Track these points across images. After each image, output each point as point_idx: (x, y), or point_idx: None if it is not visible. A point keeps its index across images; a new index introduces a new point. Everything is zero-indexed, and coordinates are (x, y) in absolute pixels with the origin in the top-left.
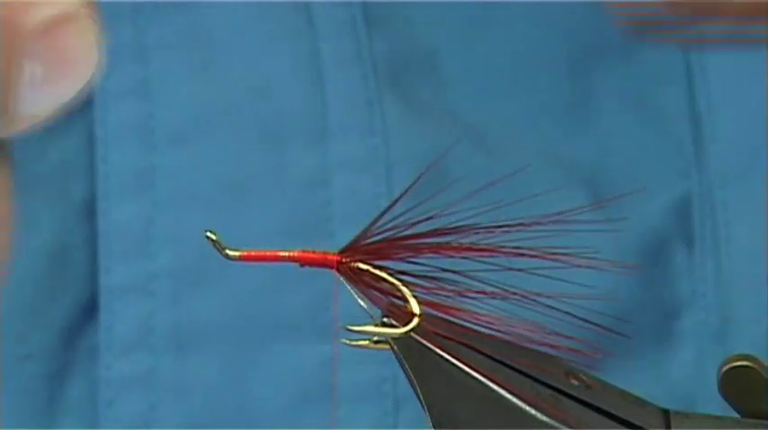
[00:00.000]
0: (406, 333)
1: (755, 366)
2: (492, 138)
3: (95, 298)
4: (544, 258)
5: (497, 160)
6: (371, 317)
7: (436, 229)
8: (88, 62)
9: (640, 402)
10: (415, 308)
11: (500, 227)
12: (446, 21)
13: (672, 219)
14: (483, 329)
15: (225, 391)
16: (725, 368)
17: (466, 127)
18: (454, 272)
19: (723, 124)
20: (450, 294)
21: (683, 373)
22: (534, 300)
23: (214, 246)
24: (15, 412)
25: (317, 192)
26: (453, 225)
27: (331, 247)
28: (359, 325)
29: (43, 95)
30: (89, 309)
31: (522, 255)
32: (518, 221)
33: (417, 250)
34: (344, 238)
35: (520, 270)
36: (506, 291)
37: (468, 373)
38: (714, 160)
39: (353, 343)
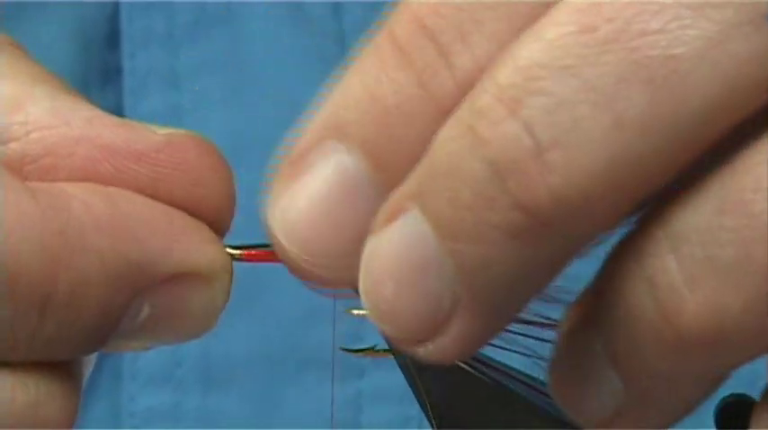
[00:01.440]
0: None
1: (752, 400)
2: None
3: None
4: None
5: None
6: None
7: None
8: (201, 325)
9: None
10: None
11: None
12: None
13: None
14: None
15: (250, 427)
16: (721, 403)
17: None
18: None
19: None
20: None
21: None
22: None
23: None
24: None
25: None
26: None
27: None
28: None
29: (140, 334)
30: None
31: None
32: None
33: None
34: None
35: None
36: None
37: (469, 373)
38: None
39: (356, 352)
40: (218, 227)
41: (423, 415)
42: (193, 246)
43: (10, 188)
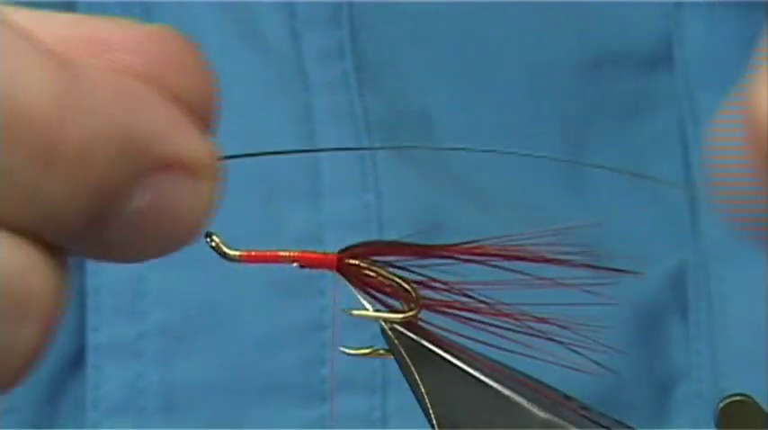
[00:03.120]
0: (406, 318)
1: (752, 401)
2: (486, 196)
3: (81, 352)
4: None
5: (492, 219)
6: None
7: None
8: (187, 224)
9: None
10: (413, 294)
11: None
12: (438, 82)
13: (667, 290)
14: (483, 329)
15: None
16: (722, 404)
17: (459, 183)
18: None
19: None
20: (451, 294)
21: None
22: (526, 319)
23: (213, 249)
24: None
25: (311, 247)
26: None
27: (321, 307)
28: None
29: (131, 231)
30: (75, 363)
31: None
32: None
33: (418, 251)
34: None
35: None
36: (503, 303)
37: (469, 373)
38: (709, 231)
39: (354, 352)
40: (206, 119)
41: None
42: (187, 136)
43: (25, 40)
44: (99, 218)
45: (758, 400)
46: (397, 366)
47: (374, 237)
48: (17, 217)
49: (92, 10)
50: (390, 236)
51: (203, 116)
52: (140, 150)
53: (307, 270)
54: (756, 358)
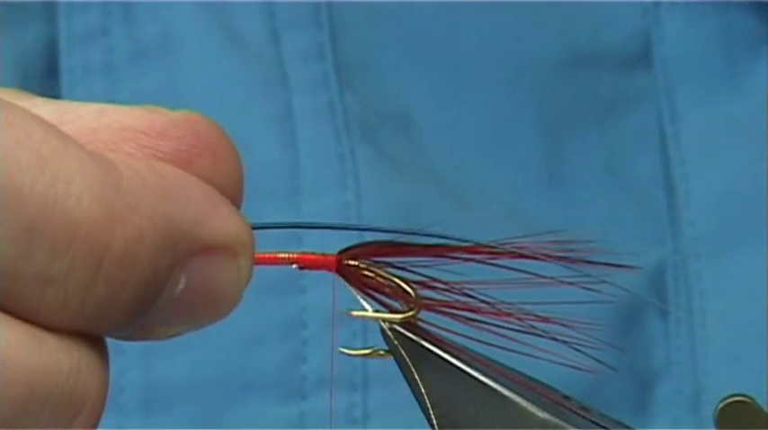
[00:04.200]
0: (405, 318)
1: (752, 402)
2: (465, 195)
3: None
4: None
5: (471, 216)
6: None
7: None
8: (227, 301)
9: None
10: (413, 294)
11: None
12: (418, 82)
13: (646, 286)
14: (483, 329)
15: None
16: (722, 405)
17: (439, 182)
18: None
19: (697, 193)
20: (451, 294)
21: None
22: (526, 318)
23: None
24: None
25: (290, 248)
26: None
27: (302, 305)
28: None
29: (173, 312)
30: None
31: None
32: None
33: (418, 251)
34: (316, 294)
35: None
36: (503, 302)
37: (469, 373)
38: (688, 228)
39: (354, 352)
40: (236, 199)
41: None
42: (225, 218)
43: (69, 143)
44: (142, 307)
45: (758, 401)
46: (378, 364)
47: (354, 236)
48: (66, 322)
49: (72, 10)
50: (369, 234)
51: (234, 195)
52: (182, 238)
53: (287, 273)
54: (735, 355)
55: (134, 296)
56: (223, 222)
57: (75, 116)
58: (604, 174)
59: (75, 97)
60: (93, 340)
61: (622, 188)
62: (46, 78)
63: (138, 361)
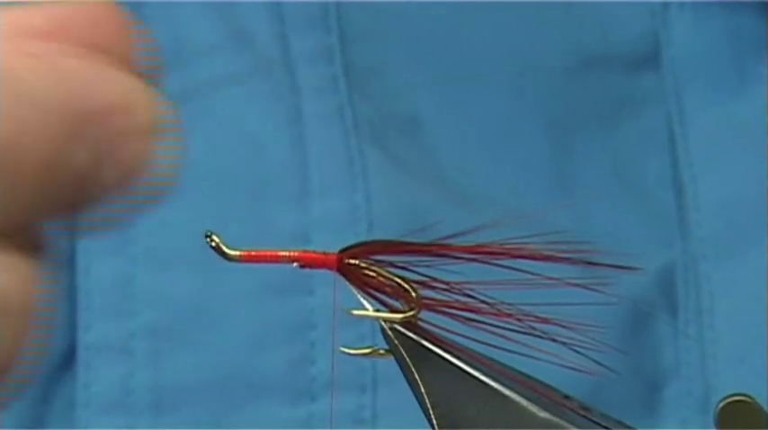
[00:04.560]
0: (405, 318)
1: (752, 401)
2: (474, 200)
3: (72, 351)
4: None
5: (480, 219)
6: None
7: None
8: (135, 155)
9: None
10: (413, 294)
11: (501, 251)
12: (426, 85)
13: (655, 287)
14: (483, 329)
15: None
16: (722, 404)
17: (448, 185)
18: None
19: (705, 194)
20: (452, 294)
21: None
22: (527, 319)
23: (213, 249)
24: None
25: (297, 245)
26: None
27: (310, 306)
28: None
29: (86, 183)
30: (65, 363)
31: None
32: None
33: (418, 250)
34: (324, 295)
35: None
36: (504, 303)
37: (469, 373)
38: (698, 229)
39: (354, 352)
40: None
41: None
42: (110, 80)
43: None
44: (49, 189)
45: (758, 400)
46: (386, 365)
47: (363, 237)
48: None
49: None
50: (379, 237)
51: (121, 50)
52: (69, 110)
53: (300, 269)
54: (745, 356)
55: (35, 176)
56: (111, 83)
57: None
58: (612, 176)
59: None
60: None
61: (630, 190)
62: None
63: (146, 362)
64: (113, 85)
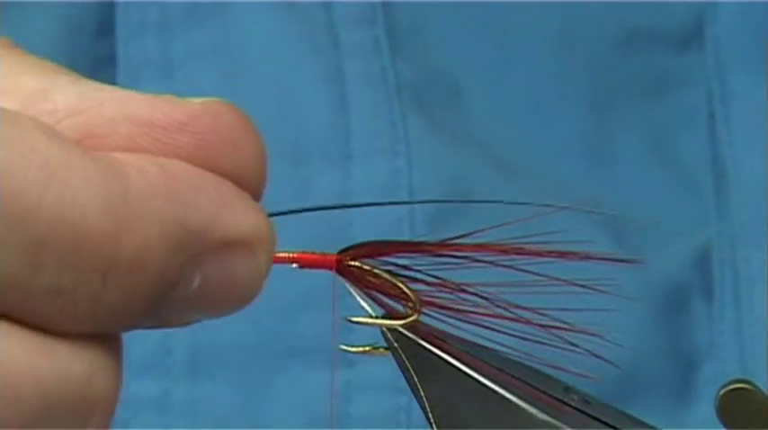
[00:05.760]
0: (405, 324)
1: (754, 388)
2: (513, 166)
3: None
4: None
5: (519, 187)
6: (372, 316)
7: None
8: (246, 294)
9: (640, 422)
10: (414, 299)
11: (512, 249)
12: (469, 50)
13: (691, 268)
14: (484, 329)
15: (237, 417)
16: (723, 391)
17: (488, 152)
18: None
19: (747, 177)
20: (452, 294)
21: (701, 426)
22: (532, 317)
23: None
24: None
25: (339, 212)
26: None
27: None
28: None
29: (190, 305)
30: None
31: (531, 272)
32: (532, 246)
33: (418, 250)
34: None
35: (528, 285)
36: (509, 303)
37: (468, 374)
38: (736, 211)
39: (354, 349)
40: (256, 191)
41: (411, 405)
42: (240, 213)
43: (73, 153)
44: (154, 307)
45: (759, 386)
46: None
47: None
48: (77, 328)
49: None
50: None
51: (255, 185)
52: (193, 239)
53: (335, 238)
54: None
55: (145, 298)
56: (239, 218)
57: (94, 103)
58: (650, 151)
59: (129, 55)
60: (105, 340)
61: (667, 166)
62: (98, 36)
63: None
64: (242, 219)
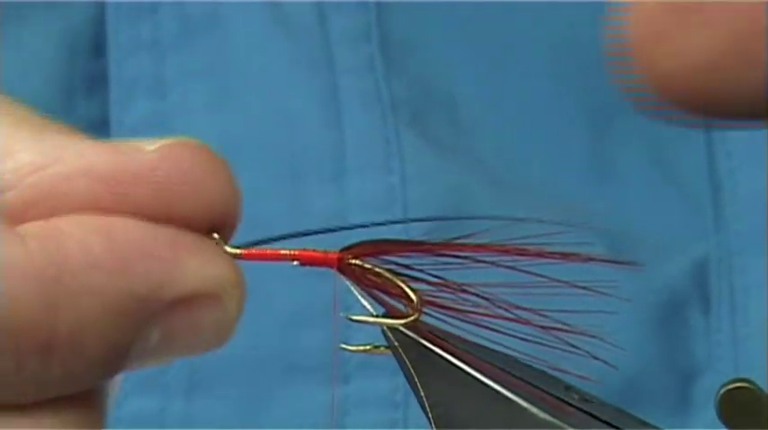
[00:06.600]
0: (406, 323)
1: (754, 387)
2: (509, 182)
3: None
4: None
5: (515, 204)
6: (373, 315)
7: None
8: (216, 339)
9: (640, 420)
10: (415, 299)
11: (514, 250)
12: (463, 65)
13: (688, 280)
14: (484, 330)
15: None
16: (723, 391)
17: (484, 168)
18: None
19: (744, 187)
20: (453, 294)
21: None
22: (533, 318)
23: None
24: None
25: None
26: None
27: (346, 286)
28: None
29: (154, 356)
30: None
31: (533, 273)
32: (534, 249)
33: (419, 249)
34: None
35: (528, 286)
36: (509, 304)
37: (469, 373)
38: (734, 223)
39: (354, 348)
40: (230, 226)
41: (407, 418)
42: (201, 266)
43: (4, 239)
44: (111, 367)
45: (759, 385)
46: None
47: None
48: (32, 399)
49: None
50: (415, 216)
51: (228, 220)
52: (143, 304)
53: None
54: None
55: (97, 363)
56: (199, 271)
57: (55, 160)
58: (649, 163)
59: (122, 74)
60: (71, 398)
61: (666, 180)
62: (93, 55)
63: None
64: (204, 270)
